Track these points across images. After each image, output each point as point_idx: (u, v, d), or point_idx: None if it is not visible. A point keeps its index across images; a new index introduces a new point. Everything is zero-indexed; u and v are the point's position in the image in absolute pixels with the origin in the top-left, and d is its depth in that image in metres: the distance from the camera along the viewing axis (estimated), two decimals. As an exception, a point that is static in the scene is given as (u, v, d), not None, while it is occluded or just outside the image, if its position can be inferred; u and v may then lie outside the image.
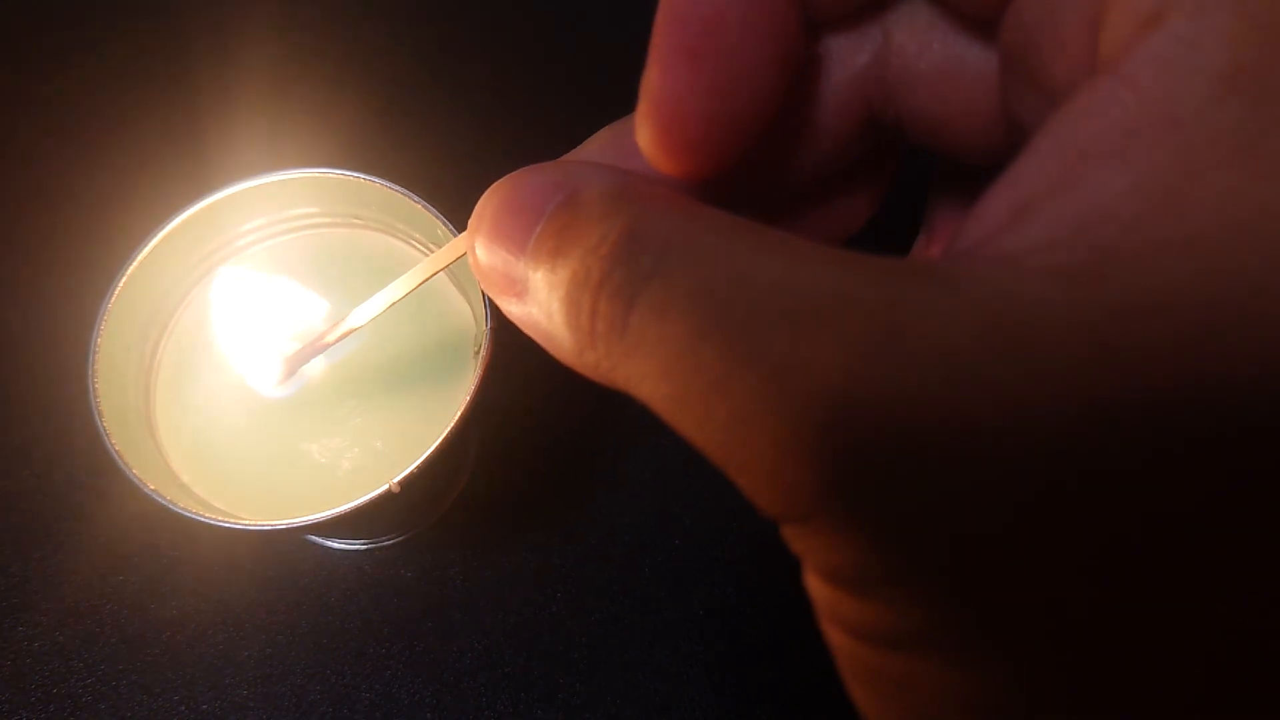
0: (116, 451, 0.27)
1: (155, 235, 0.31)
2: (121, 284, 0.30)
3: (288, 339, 0.30)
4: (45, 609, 0.37)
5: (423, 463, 0.27)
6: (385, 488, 0.27)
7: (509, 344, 0.28)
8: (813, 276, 0.13)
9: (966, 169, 0.21)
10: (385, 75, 0.48)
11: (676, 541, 0.38)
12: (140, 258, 0.30)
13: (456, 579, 0.38)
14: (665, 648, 0.37)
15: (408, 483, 0.27)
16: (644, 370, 0.14)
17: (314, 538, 0.38)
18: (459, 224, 0.30)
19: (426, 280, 0.23)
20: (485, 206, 0.18)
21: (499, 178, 0.18)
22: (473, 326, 0.33)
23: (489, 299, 0.29)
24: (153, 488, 0.27)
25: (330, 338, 0.27)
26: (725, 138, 0.16)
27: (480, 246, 0.18)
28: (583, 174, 0.17)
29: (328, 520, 0.26)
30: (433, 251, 0.33)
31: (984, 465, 0.12)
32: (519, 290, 0.17)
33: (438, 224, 0.31)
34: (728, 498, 0.38)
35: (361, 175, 0.31)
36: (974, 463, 0.12)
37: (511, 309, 0.18)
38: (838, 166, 0.20)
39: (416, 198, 0.31)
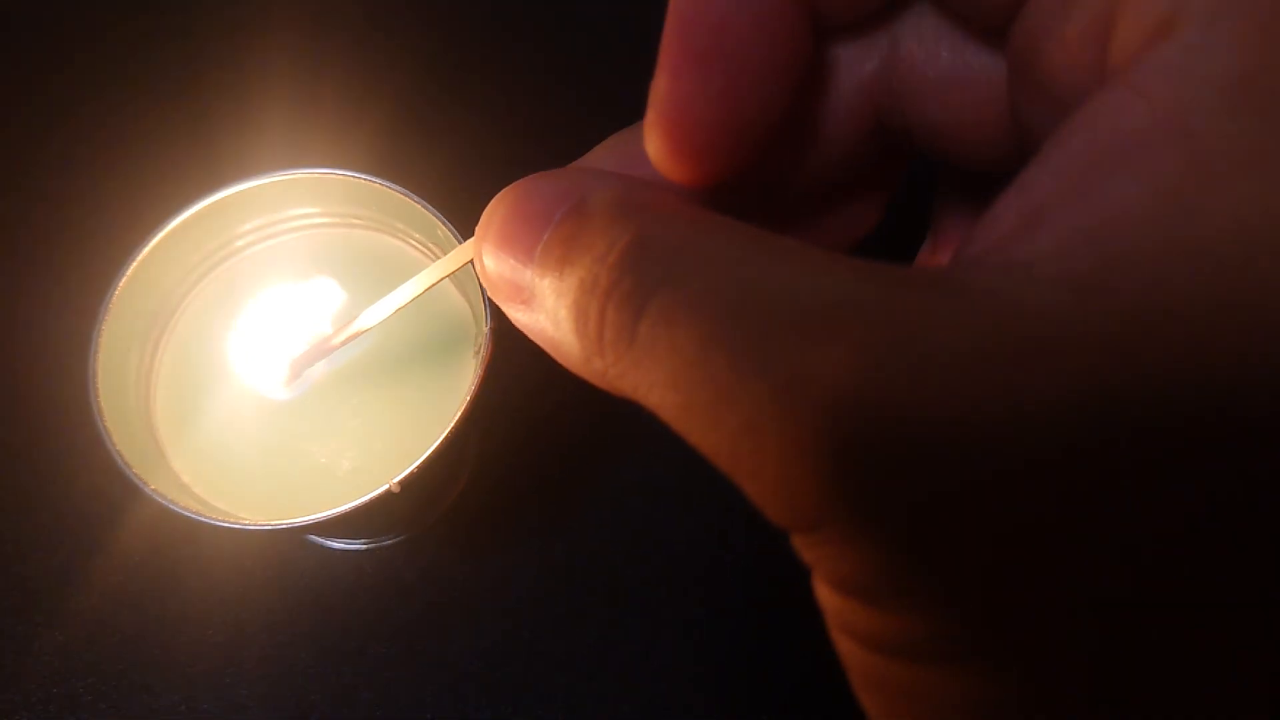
0: (117, 452, 0.27)
1: (155, 235, 0.31)
2: (121, 284, 0.30)
3: (295, 341, 0.30)
4: (45, 609, 0.36)
5: (423, 463, 0.27)
6: (385, 488, 0.27)
7: (509, 345, 0.28)
8: (821, 284, 0.13)
9: (972, 176, 0.21)
10: (388, 78, 0.47)
11: (676, 542, 0.38)
12: (140, 258, 0.30)
13: (456, 579, 0.38)
14: (665, 648, 0.37)
15: (408, 483, 0.27)
16: (652, 378, 0.14)
17: (314, 538, 0.38)
18: (460, 224, 0.30)
19: (434, 285, 0.23)
20: (492, 213, 0.18)
21: (504, 182, 0.18)
22: (473, 327, 0.33)
23: (489, 300, 0.29)
24: (153, 488, 0.27)
25: (337, 340, 0.27)
26: (733, 144, 0.16)
27: (487, 253, 0.17)
28: (590, 181, 0.17)
29: (328, 520, 0.26)
30: (432, 252, 0.33)
31: (992, 476, 0.12)
32: (526, 297, 0.17)
33: (437, 224, 0.31)
34: (728, 500, 0.38)
35: (361, 175, 0.31)
36: (982, 474, 0.12)
37: (518, 316, 0.17)
38: (845, 173, 0.20)
39: (416, 198, 0.31)
